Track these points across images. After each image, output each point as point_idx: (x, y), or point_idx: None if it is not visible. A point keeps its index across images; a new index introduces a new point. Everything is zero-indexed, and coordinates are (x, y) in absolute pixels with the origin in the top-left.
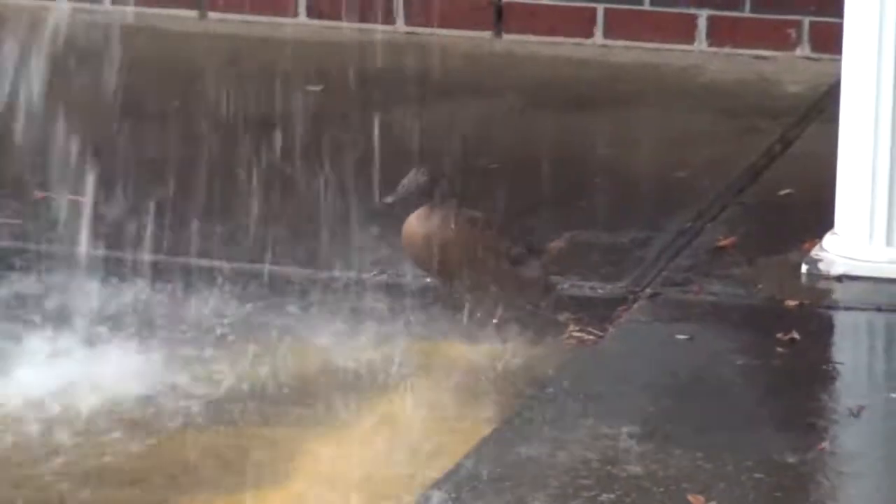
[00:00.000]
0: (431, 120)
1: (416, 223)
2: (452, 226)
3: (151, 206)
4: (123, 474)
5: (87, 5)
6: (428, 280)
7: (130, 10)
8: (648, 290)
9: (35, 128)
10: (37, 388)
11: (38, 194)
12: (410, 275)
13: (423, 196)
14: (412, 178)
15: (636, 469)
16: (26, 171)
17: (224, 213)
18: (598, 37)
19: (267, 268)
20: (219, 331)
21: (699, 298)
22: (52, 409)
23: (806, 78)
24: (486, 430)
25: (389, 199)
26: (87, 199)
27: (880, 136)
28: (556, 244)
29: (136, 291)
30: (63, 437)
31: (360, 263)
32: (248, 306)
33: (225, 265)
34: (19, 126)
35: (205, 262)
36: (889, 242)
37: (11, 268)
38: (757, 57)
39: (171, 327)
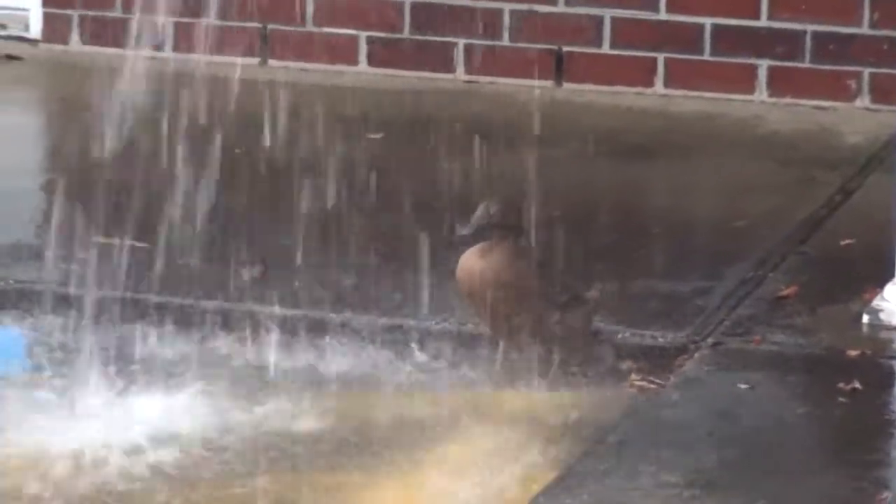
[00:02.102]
0: (491, 167)
1: (472, 258)
2: (507, 263)
3: (214, 249)
4: None
5: (147, 52)
6: (482, 326)
7: (191, 56)
8: (710, 340)
9: (98, 174)
10: None
11: (101, 240)
12: (471, 322)
13: (496, 228)
14: (484, 211)
15: None
16: (92, 216)
17: (289, 258)
18: (659, 86)
19: (328, 315)
20: (277, 376)
21: (761, 348)
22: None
23: (866, 129)
24: (550, 477)
25: (465, 232)
26: (152, 246)
27: None
28: (592, 294)
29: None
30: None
31: (423, 310)
32: (303, 351)
33: (280, 311)
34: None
35: (265, 309)
36: None
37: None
38: (817, 107)
39: (237, 372)
